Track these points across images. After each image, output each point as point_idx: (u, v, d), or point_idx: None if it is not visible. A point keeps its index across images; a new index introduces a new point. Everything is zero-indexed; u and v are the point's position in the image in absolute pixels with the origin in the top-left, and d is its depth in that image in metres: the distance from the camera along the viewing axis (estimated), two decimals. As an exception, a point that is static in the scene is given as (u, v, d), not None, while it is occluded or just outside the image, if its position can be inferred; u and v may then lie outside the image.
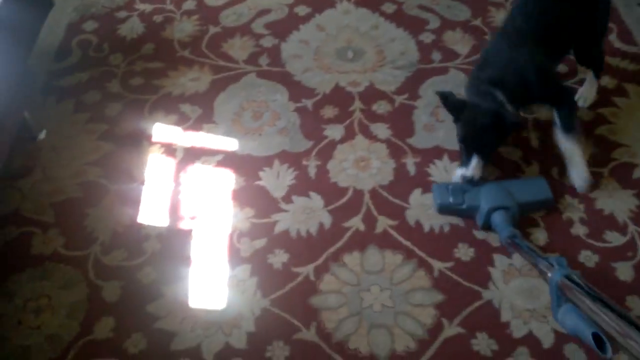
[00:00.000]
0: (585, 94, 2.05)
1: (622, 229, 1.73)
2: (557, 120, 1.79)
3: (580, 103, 2.03)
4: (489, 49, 1.88)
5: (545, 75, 1.81)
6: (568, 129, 1.78)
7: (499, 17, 2.39)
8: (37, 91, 2.07)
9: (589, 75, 2.04)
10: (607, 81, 2.14)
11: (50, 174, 1.85)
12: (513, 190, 1.71)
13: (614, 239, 1.71)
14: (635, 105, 2.07)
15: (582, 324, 1.28)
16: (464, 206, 1.70)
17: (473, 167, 1.70)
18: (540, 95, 1.80)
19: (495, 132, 1.69)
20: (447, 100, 1.74)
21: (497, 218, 1.65)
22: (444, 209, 1.74)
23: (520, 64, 1.73)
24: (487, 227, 1.69)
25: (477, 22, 2.37)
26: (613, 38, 2.30)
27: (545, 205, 1.76)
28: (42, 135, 1.94)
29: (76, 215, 1.74)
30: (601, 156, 1.91)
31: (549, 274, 1.44)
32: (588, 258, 1.66)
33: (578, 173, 1.80)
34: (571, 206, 1.78)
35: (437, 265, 1.64)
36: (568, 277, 1.39)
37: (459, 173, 1.74)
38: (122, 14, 2.42)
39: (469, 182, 1.71)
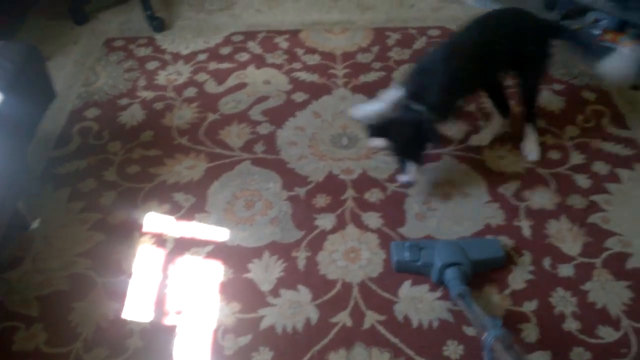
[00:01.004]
0: (529, 147, 2.18)
1: (616, 324, 1.69)
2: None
3: (530, 158, 2.17)
4: (419, 63, 2.04)
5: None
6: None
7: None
8: (35, 180, 2.11)
9: (527, 129, 2.18)
10: (599, 167, 2.14)
11: (40, 265, 1.86)
12: (467, 249, 1.78)
13: (607, 334, 1.67)
14: (628, 191, 2.05)
15: None
16: (419, 262, 1.76)
17: (411, 173, 1.92)
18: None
19: (418, 139, 1.89)
20: (374, 129, 1.93)
21: (450, 274, 1.71)
22: (400, 265, 1.79)
23: (441, 76, 1.89)
24: (441, 283, 1.76)
25: (471, 108, 2.40)
26: (606, 122, 2.31)
27: (497, 263, 1.82)
28: (36, 224, 1.96)
29: (61, 309, 1.73)
30: (594, 246, 1.88)
31: (484, 335, 1.53)
32: (580, 355, 1.62)
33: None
34: (563, 300, 1.75)
35: (426, 364, 1.59)
36: (499, 339, 1.48)
37: (400, 179, 1.97)
38: (124, 101, 2.49)
39: (410, 184, 1.97)
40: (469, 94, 2.14)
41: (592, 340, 1.65)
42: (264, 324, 1.69)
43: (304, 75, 2.59)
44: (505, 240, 1.90)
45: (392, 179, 2.11)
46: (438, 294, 1.76)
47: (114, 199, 2.06)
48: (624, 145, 2.22)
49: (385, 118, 1.98)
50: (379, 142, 1.97)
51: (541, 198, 2.04)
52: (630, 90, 2.48)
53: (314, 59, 2.68)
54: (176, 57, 2.73)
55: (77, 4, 2.96)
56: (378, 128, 1.93)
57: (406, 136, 1.89)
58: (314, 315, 1.71)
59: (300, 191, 2.07)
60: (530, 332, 1.67)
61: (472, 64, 1.92)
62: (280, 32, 2.87)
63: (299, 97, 2.48)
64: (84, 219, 1.99)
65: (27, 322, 1.70)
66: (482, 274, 1.80)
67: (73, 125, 2.37)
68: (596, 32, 2.74)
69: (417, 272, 1.80)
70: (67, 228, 1.97)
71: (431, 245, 1.79)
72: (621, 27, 2.68)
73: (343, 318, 1.71)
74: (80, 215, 2.01)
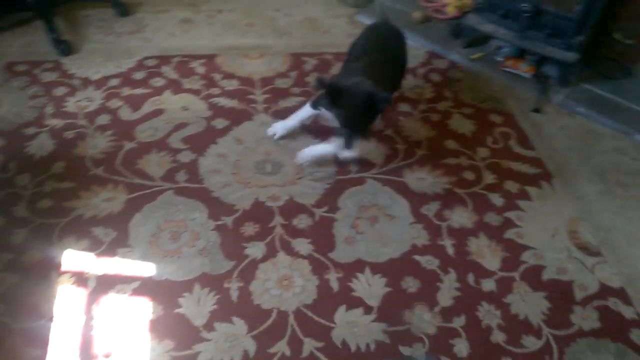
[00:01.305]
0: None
1: (537, 333, 1.80)
2: None
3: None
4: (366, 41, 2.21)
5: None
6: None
7: (408, 126, 2.52)
8: None
9: None
10: (510, 186, 2.28)
11: (-56, 314, 1.68)
12: None
13: (531, 343, 1.77)
14: (537, 207, 2.20)
15: None
16: None
17: (356, 148, 1.94)
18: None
19: (369, 110, 1.90)
20: (329, 87, 1.89)
21: None
22: None
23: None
24: None
25: (389, 131, 2.48)
26: (513, 143, 2.48)
27: None
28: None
29: (-27, 362, 1.58)
30: (512, 260, 2.00)
31: None
32: (509, 366, 1.70)
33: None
34: (489, 313, 1.84)
35: (366, 388, 1.61)
36: None
37: (344, 154, 1.96)
38: (31, 129, 2.33)
39: (353, 161, 2.06)
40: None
41: (518, 350, 1.74)
42: (200, 360, 1.64)
43: (223, 101, 2.56)
44: (432, 259, 1.97)
45: (319, 204, 2.12)
46: (372, 316, 1.79)
47: (26, 236, 1.91)
48: (530, 164, 2.39)
49: (341, 84, 1.93)
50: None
51: (460, 217, 2.14)
52: (532, 112, 2.67)
53: (232, 84, 2.66)
54: (86, 82, 2.60)
55: (-29, 26, 2.76)
56: (332, 91, 1.90)
57: (358, 105, 1.88)
58: (251, 347, 1.68)
59: (228, 220, 2.04)
60: (461, 347, 1.74)
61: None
62: (195, 57, 2.83)
63: (220, 123, 2.45)
64: (-8, 260, 1.84)
65: None
66: (414, 294, 1.85)
67: (-26, 157, 2.18)
68: (499, 58, 2.95)
69: None
70: (-27, 271, 1.80)
71: None
72: (521, 54, 2.90)
73: (281, 347, 1.69)
74: (-13, 256, 1.85)
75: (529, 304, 1.87)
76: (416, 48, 3.05)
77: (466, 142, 2.47)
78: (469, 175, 2.30)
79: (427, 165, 2.33)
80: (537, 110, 2.68)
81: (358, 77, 1.98)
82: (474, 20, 2.92)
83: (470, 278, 1.93)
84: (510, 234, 2.09)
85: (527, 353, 1.74)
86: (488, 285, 1.92)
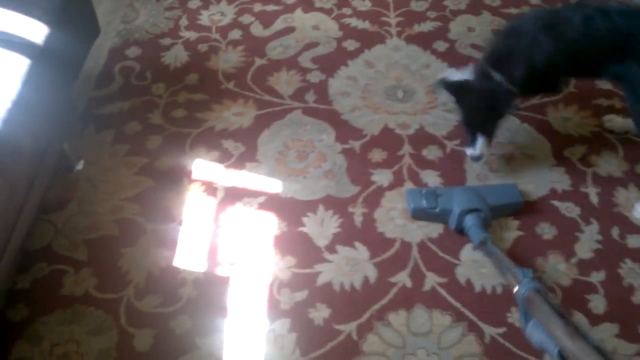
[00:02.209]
0: None
1: (690, 297, 1.61)
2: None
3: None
4: (511, 24, 1.91)
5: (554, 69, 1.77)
6: None
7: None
8: (77, 119, 2.01)
9: None
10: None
11: (86, 208, 1.79)
12: (485, 194, 1.74)
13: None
14: None
15: (548, 340, 1.32)
16: (437, 210, 1.71)
17: (479, 146, 1.77)
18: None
19: (491, 111, 1.75)
20: (446, 86, 1.78)
21: (470, 221, 1.67)
22: (417, 213, 1.74)
23: (534, 49, 1.70)
24: (460, 230, 1.71)
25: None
26: None
27: (516, 208, 1.78)
28: (80, 166, 1.88)
29: (110, 254, 1.67)
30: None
31: (516, 287, 1.46)
32: (649, 329, 1.54)
33: None
34: (633, 272, 1.66)
35: (489, 330, 1.52)
36: (535, 291, 1.41)
37: (468, 153, 1.82)
38: (167, 40, 2.37)
39: (477, 159, 1.82)
40: (564, 77, 1.97)
41: (664, 315, 1.57)
42: (321, 280, 1.63)
43: (354, 22, 2.45)
44: (572, 207, 1.81)
45: (451, 136, 2.00)
46: (502, 258, 1.68)
47: (160, 143, 1.97)
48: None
49: (459, 81, 1.79)
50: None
51: (608, 164, 1.93)
52: None
53: (364, 5, 2.54)
54: (219, -4, 2.59)
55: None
56: (451, 89, 1.79)
57: (478, 105, 1.75)
58: (372, 273, 1.64)
59: (355, 144, 1.98)
60: (598, 304, 1.59)
61: (573, 49, 1.71)
62: (328, -25, 2.71)
63: (350, 45, 2.35)
64: (129, 163, 1.91)
65: (75, 266, 1.64)
66: (549, 241, 1.72)
67: (114, 64, 2.26)
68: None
69: (435, 220, 1.74)
70: (112, 171, 1.89)
71: (448, 192, 1.75)
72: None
73: (402, 278, 1.63)
74: (125, 158, 1.93)
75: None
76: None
77: (620, 83, 2.20)
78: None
79: (575, 104, 2.11)
80: None
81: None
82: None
83: (615, 232, 1.75)
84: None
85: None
86: (634, 241, 1.72)
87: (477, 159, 1.82)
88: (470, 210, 1.68)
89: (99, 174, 1.88)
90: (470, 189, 1.79)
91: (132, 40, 2.37)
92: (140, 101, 2.11)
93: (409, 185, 1.86)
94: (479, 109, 1.75)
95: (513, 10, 2.51)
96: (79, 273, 1.63)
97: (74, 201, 1.80)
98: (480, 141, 1.78)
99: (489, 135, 1.79)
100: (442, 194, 1.74)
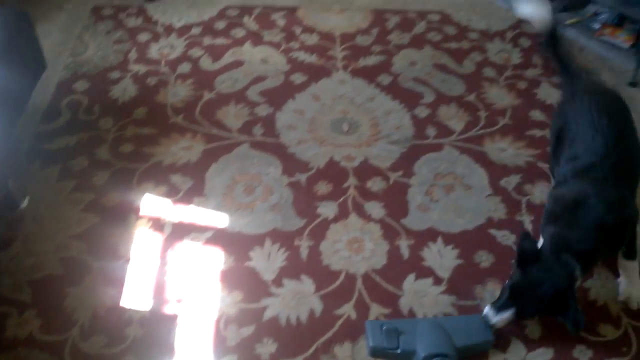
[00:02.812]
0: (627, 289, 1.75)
1: (616, 322, 1.70)
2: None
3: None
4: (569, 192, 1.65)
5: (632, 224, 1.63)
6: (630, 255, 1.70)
7: (492, 92, 2.40)
8: (22, 155, 2.00)
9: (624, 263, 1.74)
10: None
11: (31, 247, 1.77)
12: (451, 332, 1.58)
13: (608, 332, 1.68)
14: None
15: None
16: (399, 351, 1.54)
17: (502, 319, 1.54)
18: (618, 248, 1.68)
19: (548, 306, 1.52)
20: (523, 249, 1.55)
21: None
22: (377, 352, 1.56)
23: (610, 219, 1.55)
24: None
25: (471, 97, 2.37)
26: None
27: (485, 347, 1.61)
28: (25, 202, 1.87)
29: (56, 294, 1.66)
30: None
31: None
32: (582, 353, 1.63)
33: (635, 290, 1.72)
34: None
35: (431, 358, 1.58)
36: None
37: (486, 310, 1.57)
38: (115, 74, 2.38)
39: (488, 326, 1.56)
40: None
41: (594, 338, 1.65)
42: (268, 314, 1.66)
43: (302, 56, 2.52)
44: (508, 235, 1.90)
45: (394, 168, 2.08)
46: (442, 287, 1.75)
47: (107, 179, 1.98)
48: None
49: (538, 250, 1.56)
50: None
51: (542, 193, 2.03)
52: (629, 86, 2.49)
53: (312, 39, 2.62)
54: (169, 29, 2.62)
55: (62, -32, 2.81)
56: (527, 255, 1.54)
57: (537, 295, 1.51)
58: (318, 306, 1.68)
59: (302, 177, 2.03)
60: (534, 329, 1.66)
61: None
62: (276, 9, 2.79)
63: (298, 78, 2.42)
64: (76, 200, 1.91)
65: (19, 308, 1.63)
66: (487, 269, 1.80)
67: (61, 98, 2.26)
68: (595, 26, 2.75)
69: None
70: (58, 208, 1.88)
71: (411, 328, 1.59)
72: (620, 22, 2.69)
73: (348, 310, 1.68)
74: (71, 195, 1.92)
75: (610, 291, 1.77)
76: (506, 10, 2.88)
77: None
78: (555, 150, 2.18)
79: (510, 136, 2.22)
80: (634, 84, 2.49)
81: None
82: (573, -18, 2.72)
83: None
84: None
85: (602, 342, 1.65)
86: (566, 267, 1.83)
87: (488, 324, 1.56)
88: (435, 356, 1.52)
89: (44, 211, 1.87)
90: (436, 325, 1.62)
91: (81, 74, 2.37)
92: (87, 136, 2.11)
93: (353, 217, 1.92)
94: (538, 299, 1.51)
95: (453, 45, 2.63)
96: (22, 315, 1.61)
97: (18, 240, 1.79)
98: (508, 315, 1.53)
99: (524, 318, 1.60)
100: (405, 330, 1.57)
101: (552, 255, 1.54)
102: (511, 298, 1.53)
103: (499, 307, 1.55)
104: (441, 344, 1.55)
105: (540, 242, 1.66)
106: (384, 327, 1.58)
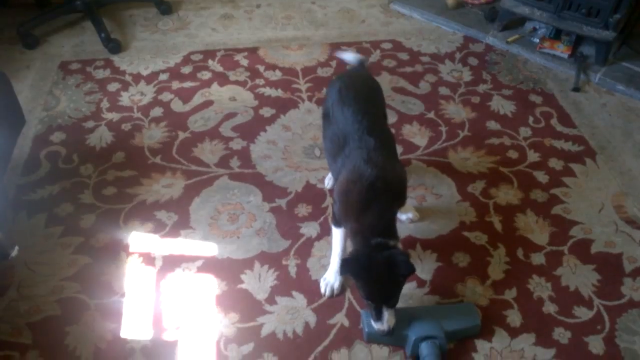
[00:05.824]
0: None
1: (589, 304, 1.84)
2: None
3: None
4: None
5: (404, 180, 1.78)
6: None
7: (449, 109, 2.57)
8: (7, 207, 2.04)
9: None
10: (554, 163, 2.31)
11: (25, 292, 1.80)
12: (442, 317, 1.70)
13: (582, 314, 1.81)
14: (582, 184, 2.24)
15: None
16: (392, 335, 1.62)
17: (387, 320, 1.59)
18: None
19: (394, 280, 1.58)
20: (345, 263, 1.61)
21: (425, 349, 1.62)
22: (372, 338, 1.69)
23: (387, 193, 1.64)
24: (416, 357, 1.65)
25: (431, 114, 2.54)
26: (554, 122, 2.51)
27: (473, 331, 1.73)
28: (15, 252, 1.89)
29: (56, 334, 1.69)
30: (560, 235, 2.04)
31: None
32: (562, 335, 1.75)
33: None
34: (539, 285, 1.89)
35: (423, 356, 1.67)
36: None
37: (376, 327, 1.61)
38: (90, 123, 2.45)
39: (388, 334, 1.61)
40: None
41: (570, 320, 1.79)
42: (265, 331, 1.73)
43: (268, 91, 2.65)
44: (480, 235, 2.03)
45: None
46: (426, 289, 1.86)
47: (94, 221, 2.03)
48: (573, 142, 2.42)
49: (356, 260, 1.59)
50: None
51: (506, 195, 2.19)
52: (572, 91, 2.70)
53: (276, 75, 2.75)
54: (137, 77, 2.72)
55: (26, 28, 2.89)
56: (352, 271, 1.59)
57: (378, 276, 1.56)
58: (312, 318, 1.76)
59: (282, 202, 2.13)
60: (514, 318, 1.79)
61: None
62: (238, 50, 2.93)
63: (267, 112, 2.54)
64: (65, 243, 1.95)
65: (21, 350, 1.65)
66: (464, 268, 1.92)
67: (39, 150, 2.31)
68: (535, 40, 2.98)
69: (391, 343, 1.70)
70: (48, 253, 1.92)
71: (405, 315, 1.67)
72: (557, 35, 2.92)
73: (340, 319, 1.77)
74: (60, 240, 1.97)
75: (579, 276, 1.91)
76: (452, 33, 3.10)
77: (508, 123, 2.51)
78: (513, 154, 2.35)
79: (471, 146, 2.38)
80: (576, 90, 2.70)
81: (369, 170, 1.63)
82: (509, 3, 2.95)
83: (520, 252, 1.98)
84: (557, 209, 2.14)
85: (578, 322, 1.78)
86: (538, 259, 1.97)
87: (387, 333, 1.61)
88: (426, 338, 1.63)
89: (35, 257, 1.91)
90: (426, 312, 1.73)
91: (56, 126, 2.43)
92: (69, 183, 2.17)
93: (335, 233, 2.01)
94: (382, 281, 1.56)
95: (408, 69, 2.81)
96: (25, 356, 1.64)
97: (12, 287, 1.82)
98: (387, 314, 1.59)
99: (395, 304, 1.62)
100: (398, 317, 1.63)
101: (363, 242, 1.60)
102: (375, 302, 1.58)
103: (376, 315, 1.60)
104: (431, 328, 1.66)
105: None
106: None
